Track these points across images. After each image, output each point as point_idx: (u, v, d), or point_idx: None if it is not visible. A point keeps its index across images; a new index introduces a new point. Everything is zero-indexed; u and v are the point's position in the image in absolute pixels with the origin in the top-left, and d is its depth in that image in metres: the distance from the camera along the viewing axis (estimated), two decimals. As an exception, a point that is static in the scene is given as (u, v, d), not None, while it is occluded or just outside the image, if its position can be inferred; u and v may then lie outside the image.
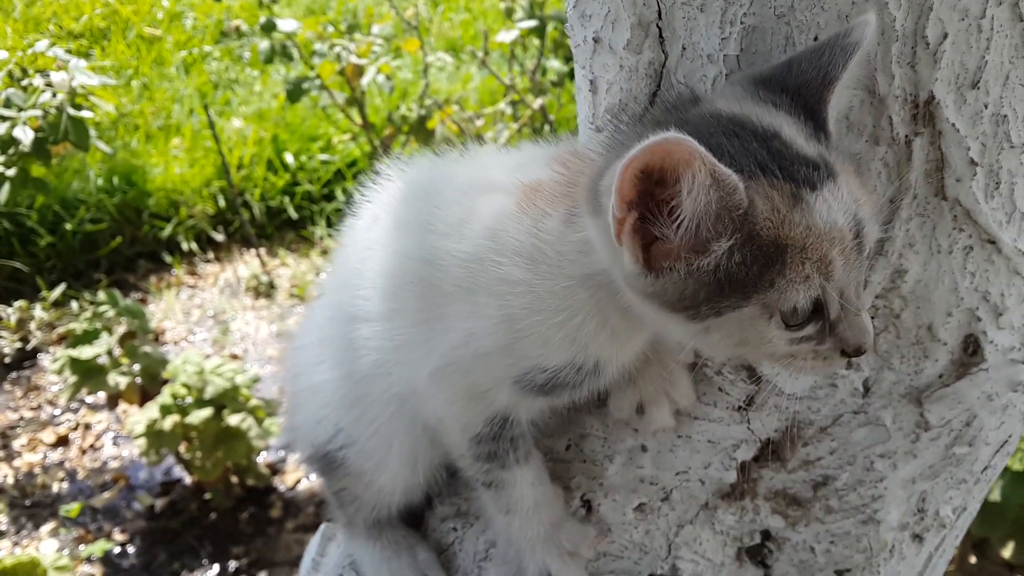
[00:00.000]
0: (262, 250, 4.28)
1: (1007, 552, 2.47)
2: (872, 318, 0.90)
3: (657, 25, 0.84)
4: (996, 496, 2.35)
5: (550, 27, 3.41)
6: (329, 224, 4.39)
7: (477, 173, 0.94)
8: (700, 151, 0.63)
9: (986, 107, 0.82)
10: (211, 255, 4.36)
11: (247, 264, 4.29)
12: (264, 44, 3.83)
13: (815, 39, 0.78)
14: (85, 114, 2.98)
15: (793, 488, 0.98)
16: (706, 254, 0.68)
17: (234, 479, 3.15)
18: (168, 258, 4.24)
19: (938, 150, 0.83)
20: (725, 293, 0.70)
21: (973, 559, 2.73)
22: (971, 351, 0.93)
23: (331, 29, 4.03)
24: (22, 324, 3.82)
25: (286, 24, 3.77)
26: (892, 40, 0.77)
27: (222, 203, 4.41)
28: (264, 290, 4.15)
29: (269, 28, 3.77)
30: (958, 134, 0.83)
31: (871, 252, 0.75)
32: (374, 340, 0.95)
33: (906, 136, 0.82)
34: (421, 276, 0.89)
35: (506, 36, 3.51)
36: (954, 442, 0.98)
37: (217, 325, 3.98)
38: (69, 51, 5.16)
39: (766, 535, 1.01)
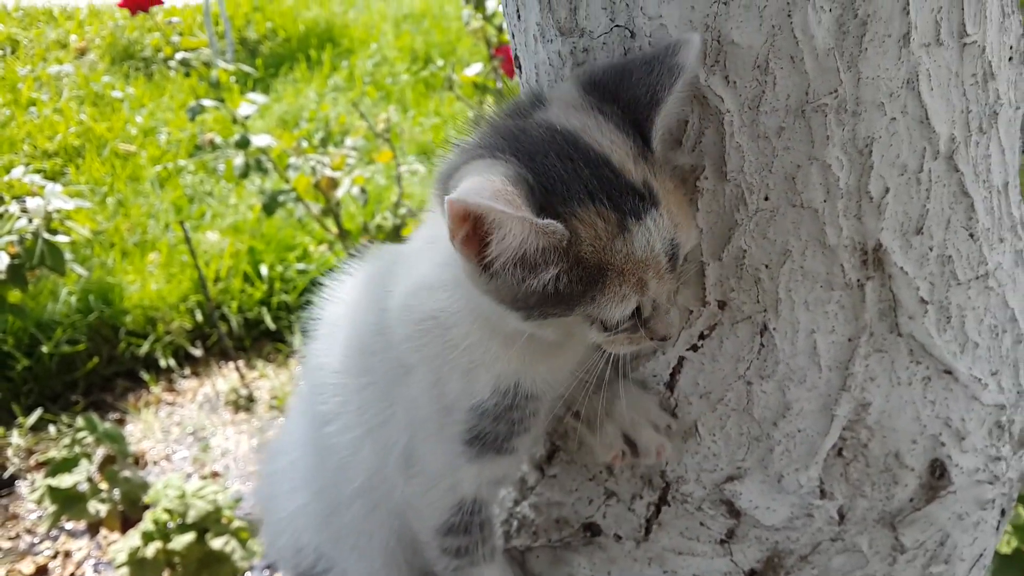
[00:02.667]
0: (240, 363, 4.28)
1: (1002, 634, 2.46)
2: (840, 450, 0.94)
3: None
4: (986, 579, 2.36)
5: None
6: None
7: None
8: (511, 216, 0.68)
9: (931, 250, 0.88)
10: (189, 371, 4.35)
11: (226, 378, 4.28)
12: (239, 159, 3.90)
13: (765, 198, 0.83)
14: (61, 239, 3.02)
15: (779, 617, 1.00)
16: (534, 275, 0.74)
17: (219, 602, 3.08)
18: (146, 376, 4.22)
19: (889, 291, 0.88)
20: (551, 304, 0.76)
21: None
22: (938, 475, 0.97)
23: (305, 144, 4.13)
24: (-1, 451, 3.78)
25: (260, 139, 3.86)
26: (837, 197, 0.83)
27: (199, 317, 4.42)
28: (243, 403, 4.13)
29: (243, 144, 3.86)
30: (907, 276, 0.88)
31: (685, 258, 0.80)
32: (337, 434, 0.98)
33: (858, 280, 0.87)
34: (371, 346, 0.95)
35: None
36: (930, 562, 1.01)
37: (197, 442, 3.94)
38: (43, 171, 5.24)
39: (756, 664, 1.02)
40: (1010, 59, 0.89)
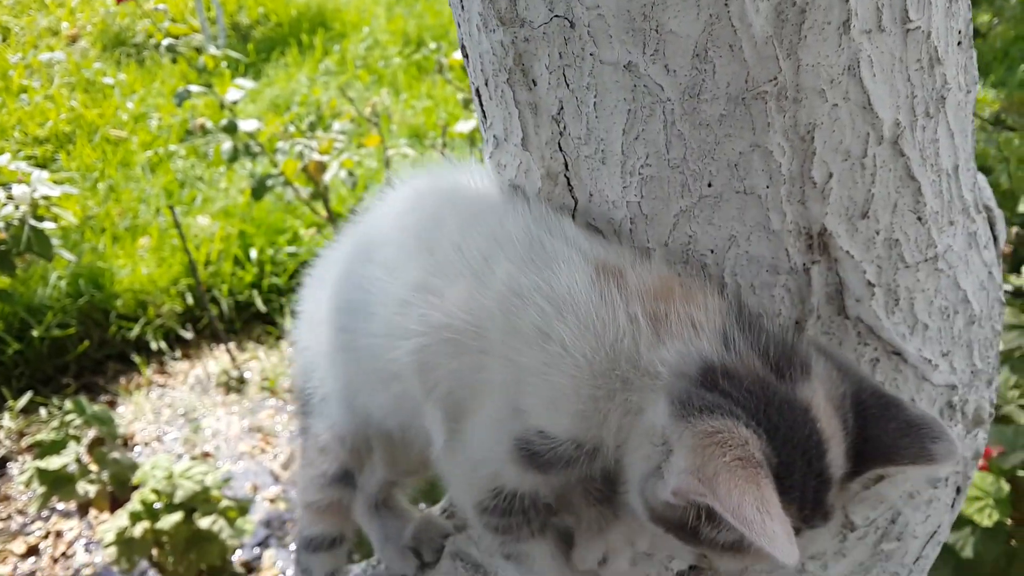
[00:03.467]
0: (231, 345, 4.30)
1: (985, 607, 2.49)
2: None
3: (565, 175, 0.90)
4: (969, 553, 2.38)
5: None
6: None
7: (553, 216, 0.90)
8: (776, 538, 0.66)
9: (878, 234, 0.89)
10: (180, 353, 4.37)
11: (217, 360, 4.30)
12: (227, 144, 3.90)
13: (709, 185, 0.84)
14: (47, 225, 3.03)
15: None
16: (710, 530, 0.74)
17: (209, 582, 3.11)
18: (137, 359, 4.24)
19: (836, 275, 0.89)
20: (687, 539, 0.77)
21: (954, 617, 2.75)
22: (888, 455, 0.98)
23: (292, 128, 4.12)
24: (-10, 435, 3.80)
25: (247, 124, 3.86)
26: (780, 183, 0.83)
27: (190, 300, 4.43)
28: (234, 385, 4.15)
29: (231, 129, 3.85)
30: (853, 260, 0.88)
31: None
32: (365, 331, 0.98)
33: (804, 264, 0.88)
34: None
35: (464, 126, 3.61)
36: (881, 539, 1.03)
37: (188, 424, 3.97)
38: (34, 158, 5.24)
39: (711, 642, 1.04)
40: (959, 43, 0.89)
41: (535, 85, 0.87)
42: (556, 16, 0.81)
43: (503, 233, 0.88)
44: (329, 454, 1.19)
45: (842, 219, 0.87)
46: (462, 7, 0.90)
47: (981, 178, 1.13)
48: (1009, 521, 2.42)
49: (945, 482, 1.07)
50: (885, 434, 0.79)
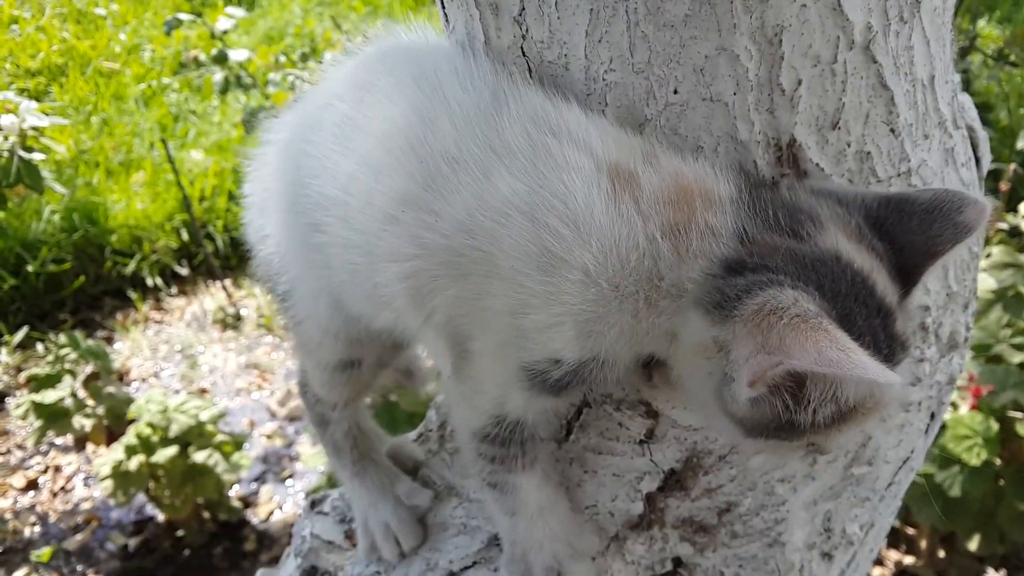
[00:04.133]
0: (227, 281, 4.29)
1: (973, 545, 2.52)
2: None
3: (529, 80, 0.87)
4: (956, 492, 2.40)
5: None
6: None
7: (552, 108, 0.82)
8: (892, 386, 0.67)
9: (849, 146, 0.86)
10: (176, 289, 4.37)
11: (213, 296, 4.30)
12: (218, 75, 3.84)
13: (675, 92, 0.81)
14: (37, 156, 2.99)
15: (699, 515, 1.01)
16: (808, 413, 0.71)
17: (206, 514, 3.15)
18: (133, 295, 4.24)
19: (805, 189, 0.86)
20: (791, 433, 0.73)
21: (942, 553, 2.78)
22: (858, 375, 0.96)
23: (284, 59, 4.06)
24: (-13, 369, 3.82)
25: (238, 54, 3.80)
26: (748, 90, 0.80)
27: (185, 236, 4.42)
28: (231, 322, 4.15)
29: (221, 59, 3.79)
30: (823, 173, 0.86)
31: None
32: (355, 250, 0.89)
33: (772, 178, 0.85)
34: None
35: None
36: (852, 463, 1.02)
37: (185, 360, 3.98)
38: (26, 91, 5.17)
39: (677, 562, 1.04)
40: (938, -55, 0.85)
41: (495, -16, 0.84)
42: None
43: (501, 141, 0.79)
44: (324, 347, 1.12)
45: (812, 129, 0.84)
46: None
47: (966, 98, 1.09)
48: (998, 461, 2.43)
49: (918, 406, 1.05)
50: (913, 234, 0.78)
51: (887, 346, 0.74)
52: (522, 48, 0.86)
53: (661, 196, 0.76)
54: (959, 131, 0.99)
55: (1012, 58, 3.97)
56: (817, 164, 0.85)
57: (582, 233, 0.75)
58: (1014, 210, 3.02)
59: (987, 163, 1.11)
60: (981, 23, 4.74)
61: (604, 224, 0.75)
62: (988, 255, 2.74)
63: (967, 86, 3.74)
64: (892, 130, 0.87)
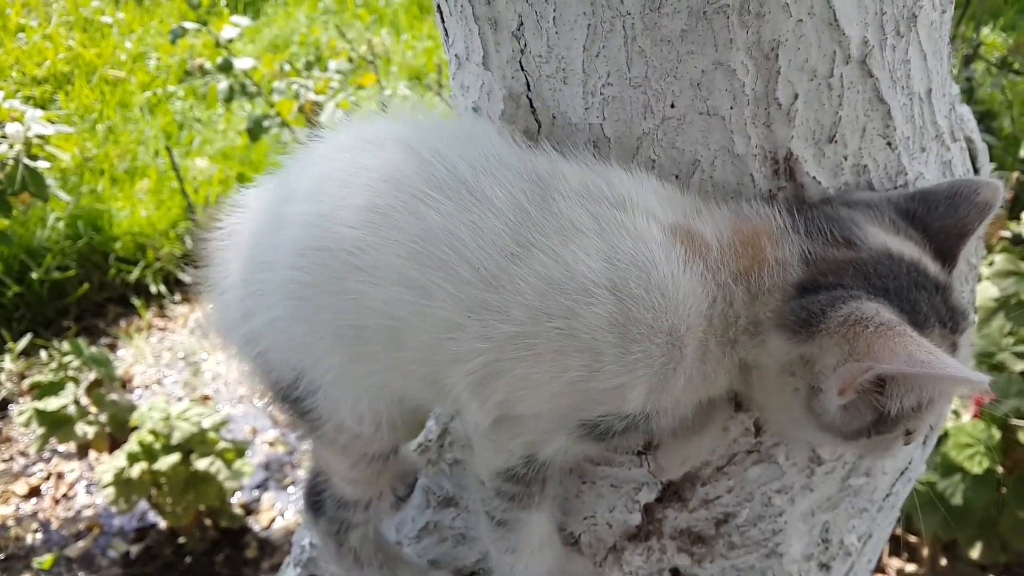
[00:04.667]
0: (231, 289, 4.30)
1: (975, 553, 2.51)
2: None
3: (527, 96, 0.88)
4: (958, 500, 2.39)
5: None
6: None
7: (602, 182, 0.82)
8: (981, 384, 0.70)
9: (846, 159, 0.86)
10: (180, 296, 4.38)
11: (216, 303, 4.30)
12: (223, 84, 3.86)
13: (672, 106, 0.82)
14: (42, 164, 3.01)
15: (696, 526, 1.01)
16: (899, 406, 0.76)
17: (208, 522, 3.16)
18: (137, 302, 4.25)
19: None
20: (888, 427, 0.78)
21: (944, 561, 2.77)
22: (856, 387, 0.97)
23: (288, 67, 4.07)
24: (-9, 376, 3.83)
25: (242, 63, 3.81)
26: (744, 104, 0.81)
27: (189, 244, 4.42)
28: (234, 329, 4.16)
29: (226, 68, 3.81)
30: (820, 186, 0.86)
31: None
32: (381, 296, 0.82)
33: (769, 191, 0.86)
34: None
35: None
36: (849, 474, 1.02)
37: (188, 367, 3.99)
38: (32, 98, 5.20)
39: (675, 573, 1.04)
40: (934, -40, 0.86)
41: None
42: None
43: (563, 223, 0.79)
44: (370, 440, 1.03)
45: (809, 143, 0.84)
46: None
47: (965, 109, 1.10)
48: (1000, 469, 2.42)
49: (916, 416, 1.05)
50: (942, 220, 0.84)
51: (951, 319, 0.79)
52: (520, 63, 0.86)
53: (726, 246, 0.80)
54: (957, 143, 0.99)
55: (1016, 66, 3.97)
56: (814, 177, 0.86)
57: (668, 299, 0.77)
58: (1017, 218, 3.02)
59: (986, 174, 1.11)
60: (985, 31, 4.74)
61: (686, 287, 0.77)
62: (991, 263, 2.74)
63: (971, 94, 3.74)
64: (889, 143, 0.87)
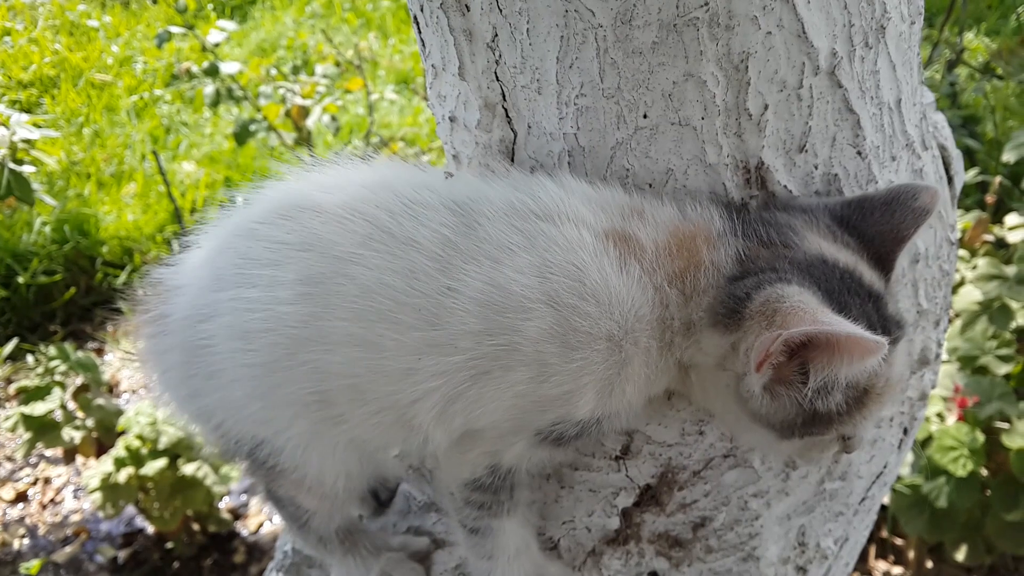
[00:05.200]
0: (218, 293, 4.29)
1: (960, 555, 2.53)
2: None
3: (503, 106, 0.89)
4: (943, 503, 2.41)
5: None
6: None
7: (527, 196, 0.83)
8: (879, 348, 0.70)
9: (816, 168, 0.88)
10: (167, 301, 4.37)
11: (204, 307, 4.30)
12: (209, 88, 3.86)
13: (644, 116, 0.83)
14: (27, 168, 3.00)
15: (674, 530, 1.02)
16: (825, 399, 0.78)
17: (195, 526, 3.15)
18: (124, 306, 4.24)
19: (774, 210, 0.88)
20: (818, 425, 0.80)
21: (930, 564, 2.79)
22: (829, 392, 0.98)
23: (275, 71, 4.08)
24: (-23, 381, 3.82)
25: (229, 67, 3.81)
26: (715, 114, 0.82)
27: (176, 248, 4.42)
28: (221, 333, 4.15)
29: (213, 72, 3.81)
30: (791, 194, 0.87)
31: None
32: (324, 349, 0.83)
33: (741, 199, 0.87)
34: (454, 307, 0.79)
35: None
36: (825, 478, 1.03)
37: (175, 371, 3.98)
38: (18, 102, 5.18)
39: (653, 577, 1.05)
40: (902, -28, 0.87)
41: (468, 10, 0.85)
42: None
43: (491, 246, 0.80)
44: (346, 488, 1.04)
45: (779, 152, 0.85)
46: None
47: (940, 117, 1.11)
48: (984, 472, 2.44)
49: (890, 422, 1.07)
50: (878, 226, 0.85)
51: (882, 326, 0.80)
52: (496, 73, 0.87)
53: (662, 248, 0.81)
54: (928, 151, 1.01)
55: (998, 71, 4.01)
56: (785, 186, 0.87)
57: (603, 305, 0.78)
58: (1000, 222, 3.04)
59: (960, 181, 1.13)
60: (969, 36, 4.78)
61: (620, 291, 0.79)
62: (974, 267, 2.76)
63: (954, 99, 3.77)
64: (859, 152, 0.89)
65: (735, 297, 0.78)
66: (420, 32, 0.95)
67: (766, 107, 0.83)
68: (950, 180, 1.10)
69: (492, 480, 0.93)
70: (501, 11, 0.83)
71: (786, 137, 0.85)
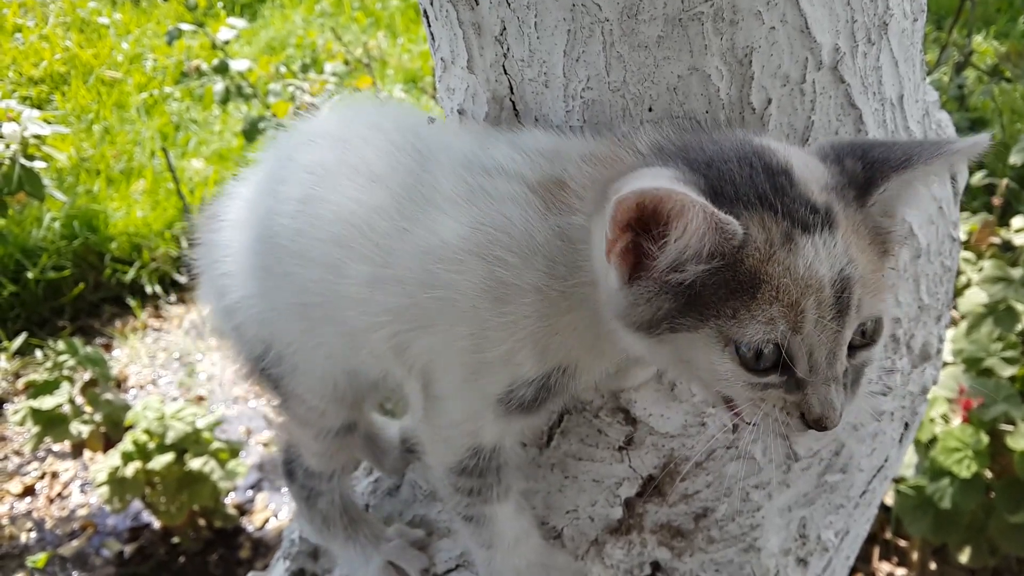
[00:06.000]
0: (226, 289, 4.32)
1: (964, 557, 2.53)
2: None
3: (511, 99, 0.90)
4: (947, 504, 2.41)
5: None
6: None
7: (481, 150, 0.85)
8: (694, 202, 0.63)
9: (819, 162, 0.88)
10: (175, 297, 4.39)
11: (211, 304, 4.32)
12: (219, 85, 3.88)
13: (649, 109, 0.84)
14: (38, 164, 3.02)
15: (676, 521, 1.04)
16: (681, 272, 0.69)
17: (201, 522, 3.17)
18: (132, 302, 4.27)
19: (777, 203, 0.89)
20: (685, 311, 0.69)
21: (933, 565, 2.79)
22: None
23: (284, 69, 4.10)
24: (-15, 375, 3.84)
25: (238, 64, 3.83)
26: (719, 108, 0.83)
27: (185, 244, 4.44)
28: (229, 329, 4.17)
29: (222, 69, 3.83)
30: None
31: (863, 328, 0.73)
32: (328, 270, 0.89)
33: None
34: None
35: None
36: (826, 471, 1.04)
37: (183, 367, 4.00)
38: (29, 99, 5.21)
39: (655, 566, 1.06)
40: (906, -31, 0.88)
41: (477, 4, 0.87)
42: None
43: (438, 195, 0.84)
44: (328, 415, 1.12)
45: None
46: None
47: (944, 115, 1.12)
48: (988, 473, 2.44)
49: (891, 416, 1.08)
50: (892, 150, 0.74)
51: (780, 194, 0.69)
52: (503, 66, 0.89)
53: (585, 185, 0.79)
54: (930, 148, 1.01)
55: (1006, 74, 4.01)
56: (788, 180, 0.88)
57: (526, 256, 0.79)
58: (1007, 224, 3.04)
59: (963, 180, 1.14)
60: (978, 38, 4.77)
61: (541, 240, 0.79)
62: (980, 269, 2.76)
63: (962, 101, 3.77)
64: (861, 147, 0.89)
65: (607, 195, 0.69)
66: (430, 25, 0.96)
67: (769, 101, 0.84)
68: (953, 178, 1.11)
69: (476, 462, 0.94)
70: (509, 5, 0.84)
71: (789, 131, 0.86)
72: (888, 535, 2.80)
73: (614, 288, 0.72)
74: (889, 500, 2.54)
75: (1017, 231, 2.86)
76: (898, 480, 2.46)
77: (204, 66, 4.39)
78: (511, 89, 0.90)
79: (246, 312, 1.02)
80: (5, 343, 3.94)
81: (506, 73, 0.89)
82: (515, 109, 0.91)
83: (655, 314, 0.70)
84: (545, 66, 0.86)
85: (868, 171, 0.73)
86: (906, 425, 1.12)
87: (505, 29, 0.86)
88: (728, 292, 0.68)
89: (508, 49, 0.87)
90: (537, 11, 0.83)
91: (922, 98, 0.98)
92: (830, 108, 0.86)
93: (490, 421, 0.89)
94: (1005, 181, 3.26)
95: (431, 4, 0.92)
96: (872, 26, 0.85)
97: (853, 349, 0.73)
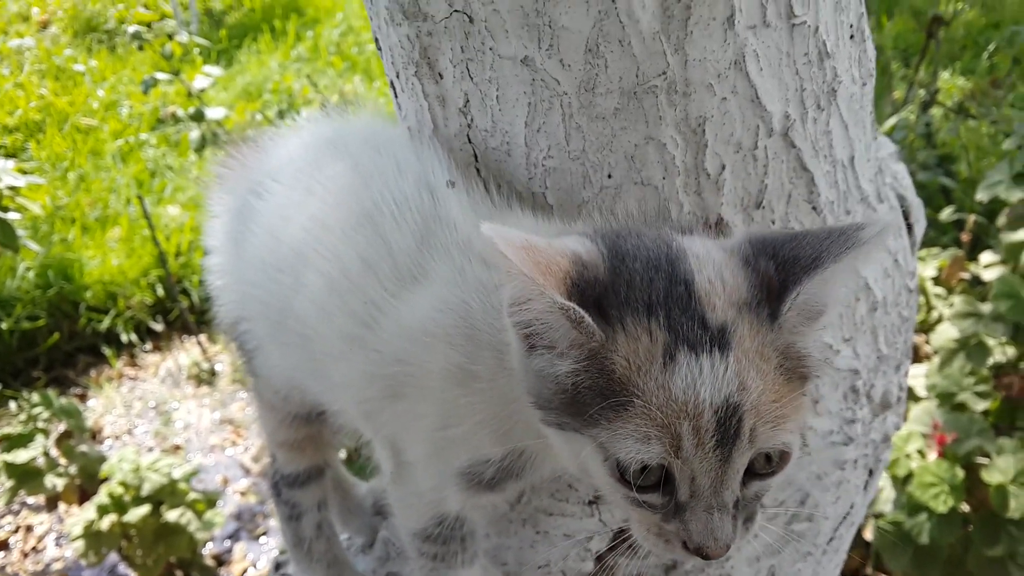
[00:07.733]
0: (202, 337, 4.30)
1: (943, 592, 2.54)
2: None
3: (475, 167, 0.93)
4: (925, 539, 2.43)
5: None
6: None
7: (474, 233, 0.83)
8: (539, 288, 0.63)
9: (773, 223, 0.92)
10: (151, 345, 4.37)
11: (188, 352, 4.30)
12: (195, 133, 3.91)
13: (609, 176, 0.87)
14: (12, 215, 3.02)
15: (647, 573, 1.05)
16: (556, 361, 0.67)
17: (179, 573, 3.13)
18: (107, 351, 4.24)
19: (735, 263, 0.92)
20: (569, 411, 0.68)
21: (913, 600, 2.80)
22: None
23: (260, 117, 4.12)
24: (-41, 427, 3.80)
25: (214, 112, 3.86)
26: (676, 174, 0.86)
27: (160, 292, 4.43)
28: (205, 377, 4.16)
29: (198, 117, 3.86)
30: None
31: (767, 454, 0.69)
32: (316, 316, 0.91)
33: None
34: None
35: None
36: (792, 520, 1.06)
37: (159, 416, 3.98)
38: (3, 147, 5.20)
39: (627, 619, 1.07)
40: (851, 37, 0.92)
41: (441, 78, 0.89)
42: (455, 11, 0.84)
43: (423, 272, 0.84)
44: (291, 400, 1.13)
45: (737, 209, 0.90)
46: (371, 1, 0.93)
47: (900, 168, 1.16)
48: (965, 507, 2.47)
49: (854, 464, 1.10)
50: (802, 247, 0.70)
51: (673, 306, 0.67)
52: (468, 136, 0.92)
53: None
54: (883, 204, 1.05)
55: (972, 111, 4.10)
56: (745, 241, 0.91)
57: (480, 345, 0.79)
58: (976, 259, 3.10)
59: (921, 229, 1.17)
60: (945, 75, 4.88)
61: (491, 331, 0.79)
62: (951, 305, 2.81)
63: (929, 139, 3.85)
64: (814, 208, 0.93)
65: None
66: (396, 96, 0.99)
67: (723, 167, 0.87)
68: (910, 228, 1.14)
69: (440, 530, 0.95)
70: (472, 79, 0.87)
71: (743, 195, 0.89)
72: (869, 570, 2.81)
73: (518, 356, 0.72)
74: (869, 536, 2.56)
75: (986, 266, 2.92)
76: (877, 516, 2.48)
77: (180, 112, 4.42)
78: (475, 157, 0.92)
79: (232, 279, 1.08)
80: (-22, 395, 3.90)
81: (470, 142, 0.92)
82: (479, 175, 0.93)
83: (550, 399, 0.69)
84: (507, 136, 0.89)
85: (780, 273, 0.70)
86: (870, 472, 1.14)
87: (468, 101, 0.89)
88: (602, 397, 0.66)
89: (472, 120, 0.90)
90: (499, 85, 0.86)
91: (874, 156, 1.02)
92: (782, 172, 0.89)
93: (454, 493, 0.89)
94: (973, 217, 3.33)
95: (397, 77, 0.95)
96: (821, 93, 0.88)
97: (754, 476, 0.70)
